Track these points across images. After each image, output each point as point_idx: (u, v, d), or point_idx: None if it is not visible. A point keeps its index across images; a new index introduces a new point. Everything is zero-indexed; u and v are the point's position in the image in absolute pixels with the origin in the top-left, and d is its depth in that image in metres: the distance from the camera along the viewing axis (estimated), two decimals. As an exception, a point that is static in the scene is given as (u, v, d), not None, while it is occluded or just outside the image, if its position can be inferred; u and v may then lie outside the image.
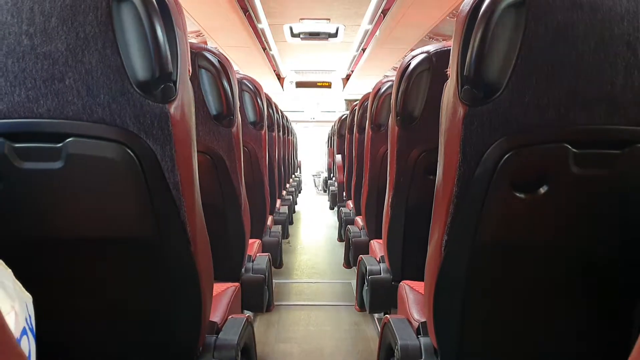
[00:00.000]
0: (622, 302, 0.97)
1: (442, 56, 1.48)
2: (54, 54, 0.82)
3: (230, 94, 1.48)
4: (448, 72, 0.94)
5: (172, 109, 0.86)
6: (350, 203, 3.66)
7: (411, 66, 1.50)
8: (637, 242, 0.91)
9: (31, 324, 0.75)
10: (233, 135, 1.55)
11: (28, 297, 0.76)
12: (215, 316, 1.29)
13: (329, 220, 5.69)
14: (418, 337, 1.18)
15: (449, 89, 0.93)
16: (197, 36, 5.57)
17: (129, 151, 0.85)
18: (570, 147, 0.84)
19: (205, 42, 5.59)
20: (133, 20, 0.81)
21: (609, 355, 1.02)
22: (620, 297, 0.97)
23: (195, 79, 1.43)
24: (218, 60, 1.43)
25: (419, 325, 1.22)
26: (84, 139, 0.84)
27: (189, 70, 0.93)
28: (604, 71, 0.82)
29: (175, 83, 0.86)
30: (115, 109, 0.84)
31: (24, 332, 0.71)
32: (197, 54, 1.41)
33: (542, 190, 0.87)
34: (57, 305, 0.97)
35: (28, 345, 0.72)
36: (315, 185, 9.76)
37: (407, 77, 1.51)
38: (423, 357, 1.12)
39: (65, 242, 0.93)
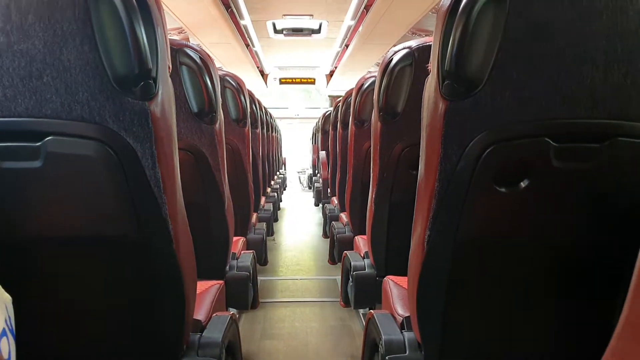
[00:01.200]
0: (603, 295, 0.98)
1: (424, 51, 1.48)
2: (31, 51, 0.80)
3: (212, 91, 1.46)
4: (429, 67, 0.94)
5: (152, 106, 0.85)
6: (334, 199, 3.66)
7: (393, 61, 1.50)
8: (617, 234, 0.92)
9: (11, 325, 0.74)
10: (215, 133, 1.54)
11: (8, 298, 0.74)
12: (200, 314, 1.28)
13: (314, 217, 5.69)
14: (402, 332, 1.18)
15: (430, 84, 0.93)
16: (179, 33, 5.53)
17: (109, 149, 0.84)
18: (551, 141, 0.85)
19: (188, 39, 5.55)
20: (111, 16, 0.80)
21: (590, 347, 1.03)
22: (601, 289, 0.99)
23: (176, 76, 1.42)
24: (199, 57, 1.42)
25: (402, 320, 1.22)
26: (63, 137, 0.83)
27: (169, 67, 0.92)
28: (584, 65, 0.83)
29: (155, 80, 0.85)
30: (94, 106, 0.83)
31: (3, 333, 0.69)
32: (178, 50, 1.40)
33: (524, 184, 0.88)
34: (37, 305, 0.95)
35: (8, 347, 0.71)
36: (300, 182, 9.75)
37: (390, 72, 1.51)
38: (407, 352, 1.12)
39: (45, 241, 0.92)
